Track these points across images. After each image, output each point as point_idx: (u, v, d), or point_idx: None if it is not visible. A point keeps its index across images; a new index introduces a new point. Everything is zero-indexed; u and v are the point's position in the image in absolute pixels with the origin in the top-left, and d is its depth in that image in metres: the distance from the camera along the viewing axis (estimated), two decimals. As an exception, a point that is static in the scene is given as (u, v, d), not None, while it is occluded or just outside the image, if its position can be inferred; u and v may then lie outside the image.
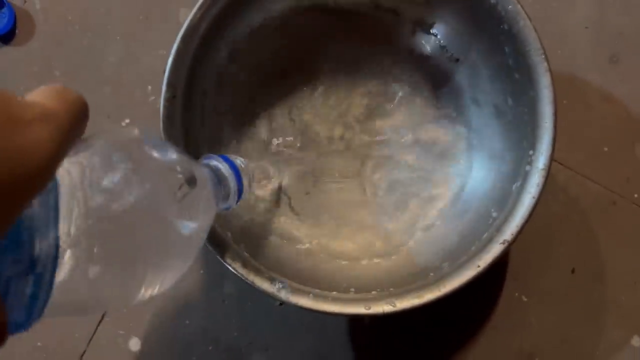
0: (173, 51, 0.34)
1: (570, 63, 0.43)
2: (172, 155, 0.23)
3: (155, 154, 0.22)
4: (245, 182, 0.31)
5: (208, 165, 0.29)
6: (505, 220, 0.32)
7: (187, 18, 0.34)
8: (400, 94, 0.41)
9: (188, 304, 0.41)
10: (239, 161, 0.32)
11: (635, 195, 0.42)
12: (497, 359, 0.41)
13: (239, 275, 0.32)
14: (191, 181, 0.24)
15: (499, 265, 0.42)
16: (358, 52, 0.41)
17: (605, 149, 0.42)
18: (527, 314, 0.41)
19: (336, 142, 0.41)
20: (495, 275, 0.41)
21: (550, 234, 0.42)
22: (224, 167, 0.30)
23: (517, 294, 0.41)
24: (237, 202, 0.31)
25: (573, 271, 0.42)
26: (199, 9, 0.34)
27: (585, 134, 0.42)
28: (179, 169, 0.23)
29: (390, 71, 0.41)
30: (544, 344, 0.41)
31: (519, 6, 0.33)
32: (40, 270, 0.16)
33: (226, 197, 0.30)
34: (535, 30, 0.32)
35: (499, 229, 0.32)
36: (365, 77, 0.41)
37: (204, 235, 0.26)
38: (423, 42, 0.40)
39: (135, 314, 0.41)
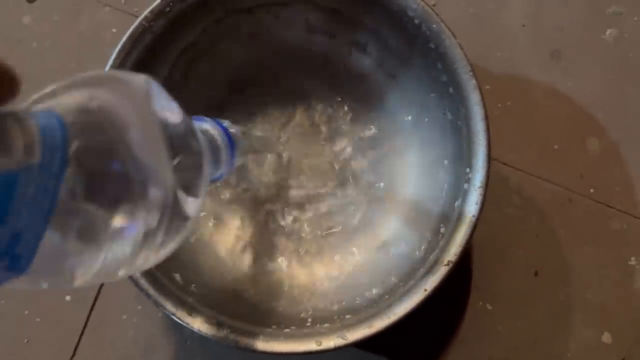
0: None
1: (511, 63, 0.42)
2: (180, 117, 0.20)
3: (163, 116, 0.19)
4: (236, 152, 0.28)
5: (200, 129, 0.26)
6: (449, 240, 0.32)
7: (108, 64, 0.33)
8: (341, 113, 0.41)
9: (149, 346, 0.41)
10: (233, 130, 0.29)
11: (591, 191, 0.41)
12: (469, 370, 0.40)
13: (184, 324, 0.32)
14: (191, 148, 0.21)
15: (461, 277, 0.41)
16: (296, 79, 0.40)
17: (556, 146, 0.41)
18: (494, 322, 0.40)
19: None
20: (457, 287, 0.41)
21: (509, 238, 0.41)
22: (217, 133, 0.27)
23: (481, 303, 0.41)
24: (226, 173, 0.28)
25: (536, 274, 0.41)
26: (117, 56, 0.33)
27: (533, 133, 0.42)
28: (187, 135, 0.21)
29: (329, 92, 0.41)
30: (515, 350, 0.40)
31: (442, 25, 0.32)
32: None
33: (216, 166, 0.27)
34: (462, 48, 0.32)
35: (443, 250, 0.32)
36: (305, 102, 0.41)
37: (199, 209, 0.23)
38: (359, 61, 0.40)
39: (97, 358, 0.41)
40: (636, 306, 0.40)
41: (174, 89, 0.37)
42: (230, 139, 0.28)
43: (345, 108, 0.41)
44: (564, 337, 0.40)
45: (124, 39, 0.33)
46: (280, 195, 0.40)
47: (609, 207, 0.41)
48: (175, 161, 0.19)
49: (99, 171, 0.16)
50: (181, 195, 0.19)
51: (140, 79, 0.20)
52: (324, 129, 0.41)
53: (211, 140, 0.26)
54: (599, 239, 0.41)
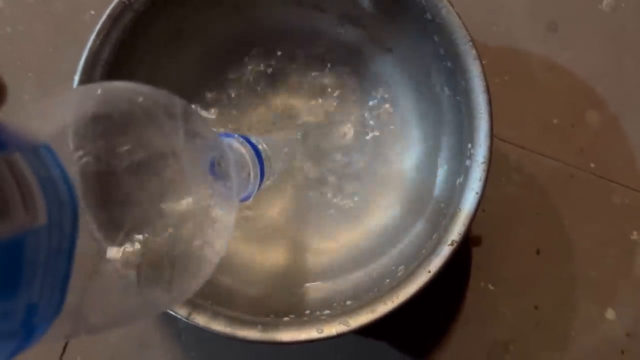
0: (75, 84, 0.31)
1: (508, 37, 0.41)
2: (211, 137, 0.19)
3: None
4: (266, 170, 0.26)
5: (230, 147, 0.24)
6: (452, 219, 0.30)
7: (86, 47, 0.32)
8: (336, 89, 0.39)
9: (143, 342, 0.39)
10: (261, 146, 0.27)
11: (592, 165, 0.40)
12: (473, 353, 0.39)
13: (178, 317, 0.30)
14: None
15: (462, 257, 0.40)
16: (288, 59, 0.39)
17: (555, 121, 0.40)
18: (496, 303, 0.40)
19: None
20: (459, 268, 0.40)
21: (510, 217, 0.40)
22: (247, 152, 0.25)
23: (483, 284, 0.40)
24: (255, 192, 0.26)
25: (538, 252, 0.40)
26: (98, 34, 0.32)
27: (532, 108, 0.40)
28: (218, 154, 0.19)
29: (324, 65, 0.39)
30: (518, 330, 0.39)
31: (438, -7, 0.30)
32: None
33: (244, 185, 0.25)
34: (460, 17, 0.30)
35: (446, 229, 0.31)
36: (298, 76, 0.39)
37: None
38: (352, 34, 0.38)
39: (91, 358, 0.39)
40: (639, 280, 0.39)
41: (160, 69, 0.36)
42: (260, 157, 0.26)
43: (337, 88, 0.39)
44: (567, 315, 0.39)
45: (103, 17, 0.31)
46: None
47: (610, 181, 0.40)
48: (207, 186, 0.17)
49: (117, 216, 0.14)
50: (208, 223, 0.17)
51: (173, 98, 0.18)
52: (317, 107, 0.39)
53: (240, 159, 0.24)
54: (600, 215, 0.40)
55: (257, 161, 0.25)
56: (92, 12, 0.42)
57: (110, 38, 0.32)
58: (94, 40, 0.31)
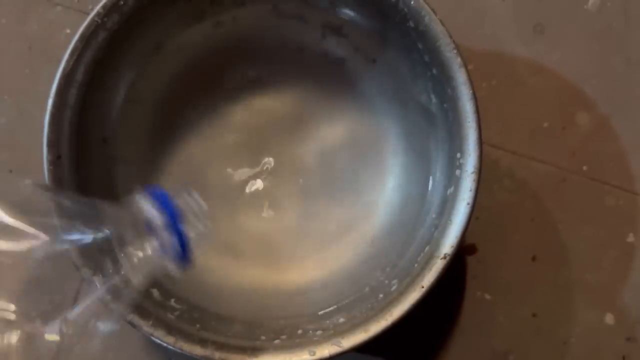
0: (49, 107, 0.30)
1: (494, 40, 0.40)
2: None
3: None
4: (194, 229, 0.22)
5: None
6: (444, 231, 0.30)
7: (59, 67, 0.31)
8: (318, 101, 0.38)
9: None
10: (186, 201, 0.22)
11: (584, 168, 0.39)
12: (472, 364, 0.39)
13: (165, 344, 0.29)
14: None
15: (457, 267, 0.39)
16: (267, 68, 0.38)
17: (545, 124, 0.40)
18: (493, 312, 0.39)
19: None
20: (453, 278, 0.39)
21: (503, 224, 0.39)
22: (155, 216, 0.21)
23: (479, 293, 0.39)
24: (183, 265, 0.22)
25: (534, 259, 0.39)
26: (71, 55, 0.31)
27: (521, 112, 0.40)
28: None
29: (306, 78, 0.38)
30: (517, 339, 0.38)
31: (421, 1, 0.30)
32: None
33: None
34: (443, 24, 0.30)
35: (438, 242, 0.30)
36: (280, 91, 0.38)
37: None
38: (335, 45, 0.37)
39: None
40: (637, 284, 0.39)
41: (137, 88, 0.35)
42: (174, 219, 0.21)
43: (322, 96, 0.38)
44: (566, 322, 0.39)
45: (76, 37, 0.30)
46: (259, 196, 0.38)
47: (604, 183, 0.39)
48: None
49: None
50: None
51: None
52: (299, 119, 0.38)
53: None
54: (595, 218, 0.39)
55: (175, 238, 0.21)
56: (68, 31, 0.41)
57: (84, 58, 0.31)
58: (67, 62, 0.30)
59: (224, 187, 0.38)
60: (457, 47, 0.29)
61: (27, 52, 0.41)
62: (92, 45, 0.31)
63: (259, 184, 0.38)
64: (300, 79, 0.38)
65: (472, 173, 0.29)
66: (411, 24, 0.31)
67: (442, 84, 0.31)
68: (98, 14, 0.31)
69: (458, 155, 0.30)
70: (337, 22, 0.36)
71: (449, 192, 0.31)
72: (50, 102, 0.30)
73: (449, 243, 0.29)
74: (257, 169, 0.38)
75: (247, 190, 0.38)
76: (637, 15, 0.40)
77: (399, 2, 0.30)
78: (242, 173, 0.38)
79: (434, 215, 0.32)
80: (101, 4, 0.31)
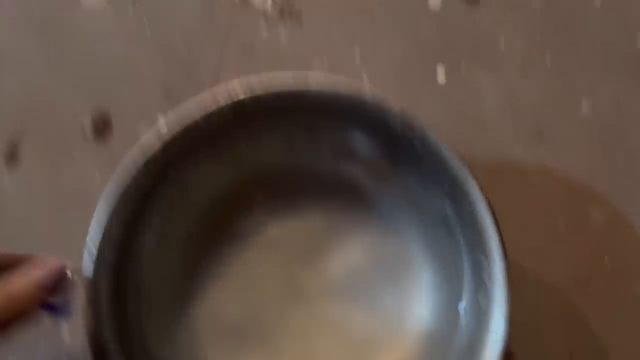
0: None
1: (497, 150, 0.42)
2: None
3: None
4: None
5: None
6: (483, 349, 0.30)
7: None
8: (337, 224, 0.39)
9: None
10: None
11: (607, 262, 0.40)
12: None
13: None
14: None
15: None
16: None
17: (561, 224, 0.41)
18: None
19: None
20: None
21: (537, 326, 0.39)
22: None
23: (525, 401, 0.38)
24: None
25: (572, 357, 0.39)
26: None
27: (535, 219, 0.41)
28: None
29: (321, 202, 0.40)
30: None
31: (426, 128, 0.32)
32: None
33: None
34: (453, 151, 0.31)
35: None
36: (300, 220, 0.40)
37: None
38: (349, 169, 0.39)
39: None
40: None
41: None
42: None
43: (337, 220, 0.40)
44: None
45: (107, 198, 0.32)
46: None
47: (628, 274, 0.40)
48: None
49: None
50: None
51: None
52: (321, 245, 0.39)
53: None
54: (626, 308, 0.39)
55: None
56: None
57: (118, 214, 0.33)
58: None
59: (255, 324, 0.38)
60: (468, 165, 0.31)
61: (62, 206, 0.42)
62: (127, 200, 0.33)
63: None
64: (317, 205, 0.40)
65: (503, 285, 0.30)
66: (420, 150, 0.32)
67: (458, 198, 0.32)
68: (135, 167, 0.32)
69: (485, 264, 0.31)
70: (348, 148, 0.38)
71: (480, 308, 0.31)
72: (86, 255, 0.31)
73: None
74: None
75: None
76: (629, 112, 0.43)
77: (404, 129, 0.32)
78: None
79: (469, 338, 0.32)
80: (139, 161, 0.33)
